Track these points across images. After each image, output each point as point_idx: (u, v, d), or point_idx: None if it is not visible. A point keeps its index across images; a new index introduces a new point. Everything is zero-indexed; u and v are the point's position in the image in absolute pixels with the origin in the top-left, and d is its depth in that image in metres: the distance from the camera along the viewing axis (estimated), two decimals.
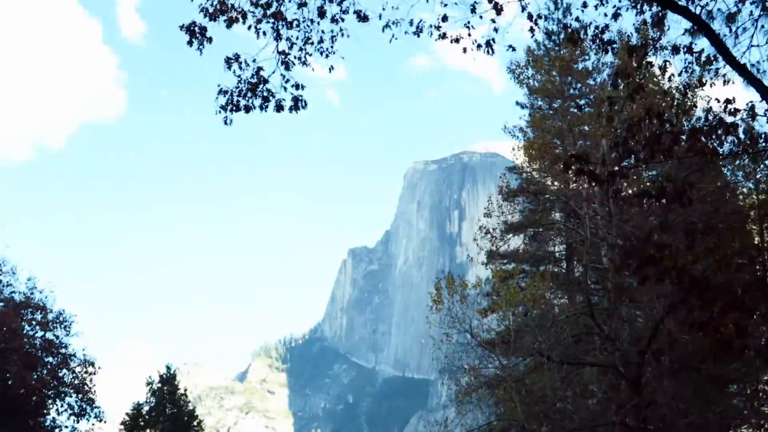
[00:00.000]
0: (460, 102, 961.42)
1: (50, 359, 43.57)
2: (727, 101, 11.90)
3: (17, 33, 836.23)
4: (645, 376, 29.65)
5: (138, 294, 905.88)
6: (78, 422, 44.39)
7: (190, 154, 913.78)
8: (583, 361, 32.16)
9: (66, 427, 44.59)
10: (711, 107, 12.64)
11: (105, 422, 45.14)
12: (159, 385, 52.99)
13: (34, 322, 43.46)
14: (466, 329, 34.70)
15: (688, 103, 16.24)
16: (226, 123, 14.36)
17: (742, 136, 12.71)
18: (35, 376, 41.81)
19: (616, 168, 12.91)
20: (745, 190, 36.70)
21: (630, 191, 36.87)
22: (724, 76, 14.44)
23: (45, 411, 43.55)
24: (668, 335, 29.85)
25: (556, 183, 43.08)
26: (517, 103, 44.62)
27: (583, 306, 32.67)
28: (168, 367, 54.18)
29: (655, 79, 35.16)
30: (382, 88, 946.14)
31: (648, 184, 28.44)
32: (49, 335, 43.63)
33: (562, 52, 41.00)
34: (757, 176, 35.67)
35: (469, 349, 35.56)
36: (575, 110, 42.35)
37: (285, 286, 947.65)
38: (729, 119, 12.65)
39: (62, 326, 43.66)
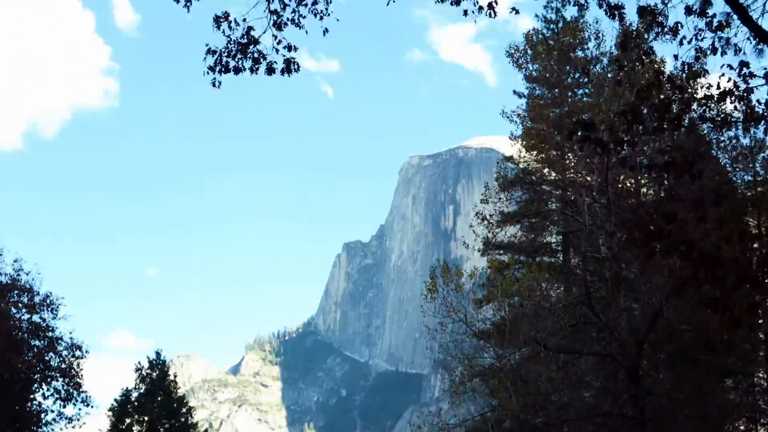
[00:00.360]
0: (455, 97, 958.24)
1: (37, 342, 42.76)
2: (742, 64, 11.26)
3: (8, 21, 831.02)
4: (642, 366, 29.17)
5: (130, 285, 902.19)
6: (65, 407, 43.67)
7: (182, 145, 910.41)
8: (580, 351, 31.64)
9: (52, 411, 43.90)
10: (723, 73, 11.99)
11: (92, 407, 44.40)
12: (149, 371, 52.06)
13: (20, 305, 42.64)
14: (461, 318, 34.21)
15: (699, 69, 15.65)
16: (214, 85, 13.72)
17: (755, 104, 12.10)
18: (21, 360, 41.12)
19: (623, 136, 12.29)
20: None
21: (629, 182, 36.49)
22: (735, 45, 13.85)
23: (31, 395, 42.85)
24: (666, 325, 29.37)
25: (553, 173, 42.66)
26: (515, 92, 44.03)
27: (580, 295, 32.15)
28: (158, 353, 53.09)
29: (656, 65, 34.69)
30: (377, 83, 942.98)
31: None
32: (35, 318, 42.83)
33: (561, 38, 40.65)
34: (756, 168, 35.16)
35: (464, 339, 35.06)
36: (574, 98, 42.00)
37: (279, 279, 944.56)
38: (742, 85, 12.05)
39: (49, 309, 42.79)
